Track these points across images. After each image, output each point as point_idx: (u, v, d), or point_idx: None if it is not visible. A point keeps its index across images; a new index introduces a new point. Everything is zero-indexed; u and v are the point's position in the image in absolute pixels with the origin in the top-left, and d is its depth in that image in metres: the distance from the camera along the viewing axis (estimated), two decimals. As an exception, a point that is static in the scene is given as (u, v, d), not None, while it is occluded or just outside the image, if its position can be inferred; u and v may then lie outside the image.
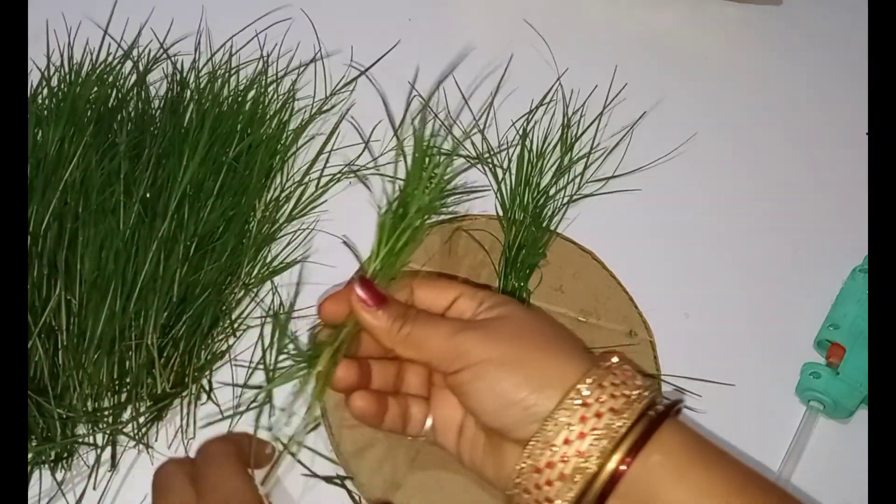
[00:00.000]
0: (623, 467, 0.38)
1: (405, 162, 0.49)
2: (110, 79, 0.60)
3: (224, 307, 0.55)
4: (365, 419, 0.45)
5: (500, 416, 0.41)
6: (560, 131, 0.62)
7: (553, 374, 0.41)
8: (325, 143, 0.61)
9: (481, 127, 0.63)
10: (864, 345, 0.53)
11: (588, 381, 0.40)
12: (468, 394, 0.42)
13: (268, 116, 0.61)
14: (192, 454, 0.51)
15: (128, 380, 0.52)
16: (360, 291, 0.44)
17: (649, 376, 0.43)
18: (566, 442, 0.39)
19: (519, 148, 0.61)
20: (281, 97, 0.62)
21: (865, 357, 0.53)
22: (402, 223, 0.46)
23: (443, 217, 0.59)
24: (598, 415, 0.39)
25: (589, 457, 0.38)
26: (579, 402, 0.39)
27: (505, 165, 0.61)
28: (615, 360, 0.42)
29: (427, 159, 0.47)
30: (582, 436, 0.39)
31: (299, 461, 0.50)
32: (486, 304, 0.45)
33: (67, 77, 0.60)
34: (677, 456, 0.39)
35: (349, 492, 0.50)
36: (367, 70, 0.64)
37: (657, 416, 0.40)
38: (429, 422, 0.47)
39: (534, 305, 0.47)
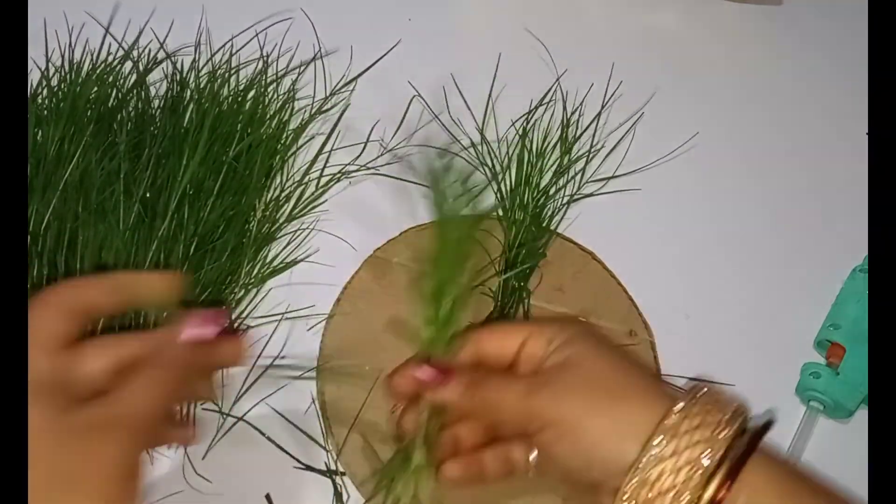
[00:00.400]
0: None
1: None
2: (110, 79, 0.60)
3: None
4: (462, 486, 0.44)
5: (584, 475, 0.41)
6: (560, 131, 0.62)
7: (632, 423, 0.40)
8: (325, 143, 0.61)
9: (481, 127, 0.63)
10: (864, 345, 0.53)
11: (667, 426, 0.39)
12: (551, 455, 0.41)
13: (268, 116, 0.61)
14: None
15: (128, 380, 0.52)
16: (421, 375, 0.43)
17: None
18: (651, 490, 0.38)
19: (519, 148, 0.61)
20: (281, 97, 0.62)
21: (865, 357, 0.53)
22: (445, 292, 0.44)
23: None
24: (677, 463, 0.38)
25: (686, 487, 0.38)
26: (657, 451, 0.39)
27: (505, 165, 0.61)
28: (689, 395, 0.41)
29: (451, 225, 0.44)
30: (665, 485, 0.38)
31: (293, 455, 0.51)
32: (555, 342, 0.44)
33: (67, 77, 0.60)
34: (764, 495, 0.38)
35: (335, 488, 0.50)
36: (367, 70, 0.64)
37: (741, 455, 0.39)
38: (533, 455, 0.45)
39: (599, 333, 0.45)
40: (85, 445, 0.35)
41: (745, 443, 0.39)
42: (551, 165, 0.61)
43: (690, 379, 0.54)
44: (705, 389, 0.42)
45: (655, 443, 0.39)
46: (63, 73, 0.61)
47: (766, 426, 0.41)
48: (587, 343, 0.44)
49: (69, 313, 0.39)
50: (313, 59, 0.64)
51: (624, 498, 0.39)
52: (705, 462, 0.38)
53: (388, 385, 0.45)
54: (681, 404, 0.40)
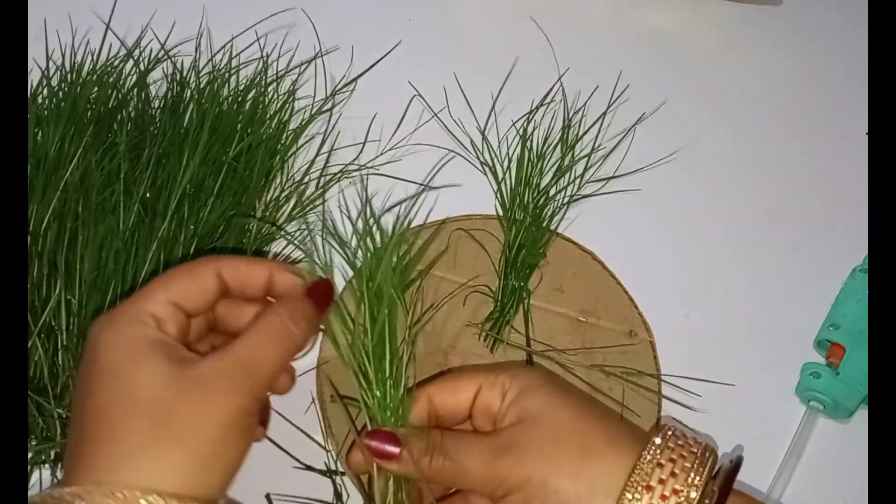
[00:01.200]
0: None
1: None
2: (111, 79, 0.60)
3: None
4: None
5: None
6: (561, 132, 0.62)
7: (601, 479, 0.39)
8: (325, 143, 0.61)
9: (482, 127, 0.63)
10: (864, 345, 0.53)
11: (638, 480, 0.39)
12: None
13: (268, 116, 0.61)
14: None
15: (128, 379, 0.52)
16: (371, 443, 0.42)
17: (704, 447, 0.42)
18: None
19: (519, 148, 0.61)
20: (281, 97, 0.62)
21: (866, 357, 0.53)
22: (380, 350, 0.42)
23: (443, 218, 0.59)
24: (664, 498, 0.38)
25: None
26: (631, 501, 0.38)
27: (505, 165, 0.61)
28: (658, 439, 0.40)
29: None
30: None
31: (293, 455, 0.51)
32: (509, 394, 0.43)
33: (68, 77, 0.60)
34: None
35: (335, 488, 0.50)
36: (367, 70, 0.64)
37: (717, 501, 0.38)
38: None
39: (555, 378, 0.45)
40: (205, 393, 0.36)
41: (719, 486, 0.39)
42: (552, 166, 0.61)
43: (687, 378, 0.55)
44: (671, 431, 0.41)
45: (627, 499, 0.38)
46: (63, 73, 0.61)
47: (737, 465, 0.40)
48: (544, 393, 0.43)
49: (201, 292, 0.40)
50: (313, 59, 0.64)
51: None
52: None
53: (348, 465, 0.44)
54: (649, 455, 0.39)
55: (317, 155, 0.60)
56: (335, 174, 0.60)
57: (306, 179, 0.60)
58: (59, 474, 0.50)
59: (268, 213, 0.58)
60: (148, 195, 0.55)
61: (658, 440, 0.40)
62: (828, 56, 0.70)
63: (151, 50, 0.63)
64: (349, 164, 0.61)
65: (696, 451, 0.40)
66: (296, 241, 0.57)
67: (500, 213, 0.59)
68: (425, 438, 0.42)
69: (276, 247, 0.58)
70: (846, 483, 0.53)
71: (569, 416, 0.42)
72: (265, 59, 0.63)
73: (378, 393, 0.43)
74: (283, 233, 0.58)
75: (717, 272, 0.60)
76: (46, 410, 0.49)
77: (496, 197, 0.60)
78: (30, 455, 0.49)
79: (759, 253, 0.61)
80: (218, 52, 0.64)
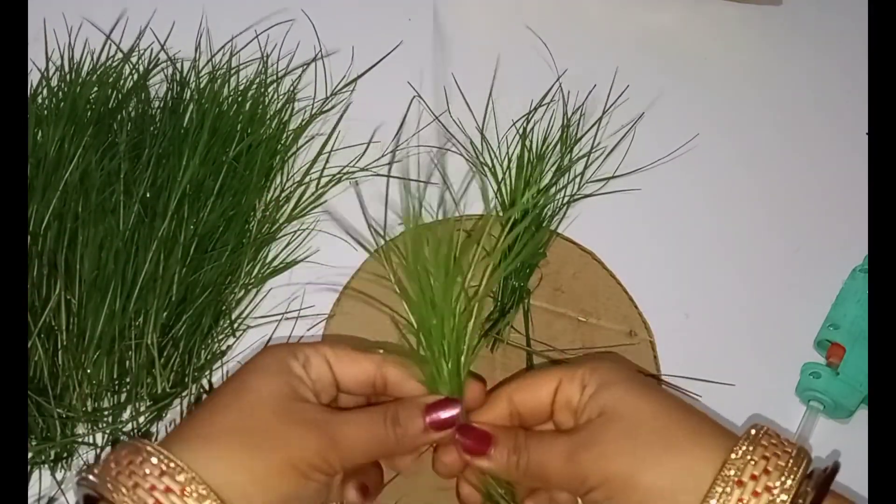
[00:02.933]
0: None
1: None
2: (110, 79, 0.60)
3: (224, 307, 0.55)
4: None
5: None
6: (560, 131, 0.62)
7: (687, 475, 0.38)
8: (325, 144, 0.61)
9: (481, 127, 0.63)
10: (864, 345, 0.53)
11: (728, 476, 0.37)
12: None
13: (268, 117, 0.61)
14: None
15: (127, 379, 0.52)
16: (463, 440, 0.42)
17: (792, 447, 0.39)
18: None
19: (519, 148, 0.61)
20: (281, 98, 0.62)
21: (866, 357, 0.53)
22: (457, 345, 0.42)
23: (444, 217, 0.59)
24: (756, 494, 0.37)
25: None
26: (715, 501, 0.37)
27: (505, 165, 0.61)
28: (753, 432, 0.39)
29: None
30: None
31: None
32: (588, 389, 0.42)
33: (68, 77, 0.60)
34: None
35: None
36: (367, 71, 0.64)
37: (812, 502, 0.37)
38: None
39: (632, 371, 0.43)
40: (290, 427, 0.39)
41: (815, 488, 0.37)
42: (551, 166, 0.61)
43: (687, 378, 0.55)
44: (765, 429, 0.40)
45: (717, 493, 0.37)
46: (63, 74, 0.61)
47: (834, 471, 0.39)
48: (623, 388, 0.42)
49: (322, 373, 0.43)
50: (314, 59, 0.64)
51: None
52: None
53: (436, 468, 0.44)
54: (741, 449, 0.38)
55: (317, 155, 0.60)
56: (335, 175, 0.60)
57: (306, 180, 0.60)
58: (58, 475, 0.50)
59: (268, 214, 0.58)
60: (148, 195, 0.55)
61: (753, 432, 0.39)
62: (828, 56, 0.70)
63: (151, 50, 0.63)
64: (349, 164, 0.61)
65: (790, 450, 0.39)
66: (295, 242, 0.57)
67: (500, 212, 0.59)
68: (512, 437, 0.42)
69: (277, 247, 0.58)
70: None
71: (650, 410, 0.40)
72: (265, 59, 0.63)
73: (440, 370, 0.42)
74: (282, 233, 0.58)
75: (717, 272, 0.60)
76: (46, 410, 0.49)
77: (496, 197, 0.60)
78: (30, 455, 0.49)
79: (759, 253, 0.61)
80: (218, 52, 0.64)
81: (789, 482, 0.37)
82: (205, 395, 0.53)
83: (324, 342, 0.44)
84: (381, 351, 0.44)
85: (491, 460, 0.42)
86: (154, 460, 0.37)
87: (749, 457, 0.38)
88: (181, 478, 0.37)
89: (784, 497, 0.36)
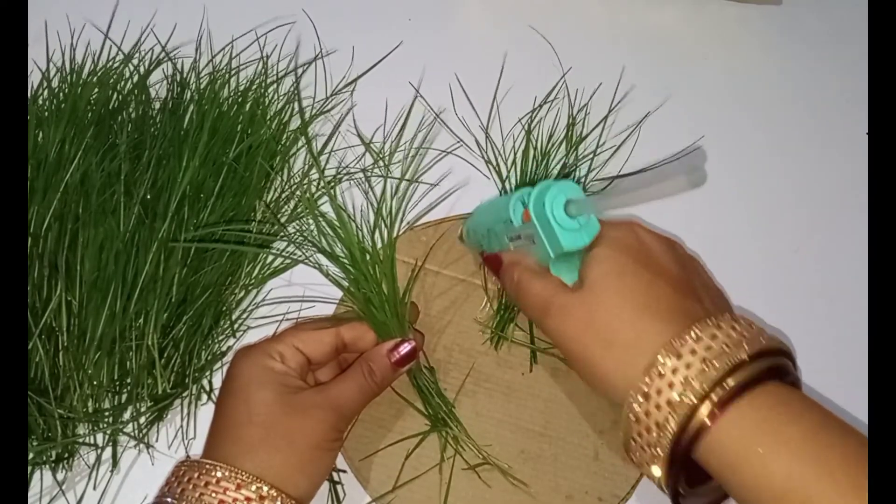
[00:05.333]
0: (709, 422, 0.38)
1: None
2: (111, 80, 0.60)
3: (224, 308, 0.55)
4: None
5: (591, 385, 0.44)
6: (566, 129, 0.62)
7: (640, 341, 0.41)
8: (325, 144, 0.61)
9: (485, 126, 0.63)
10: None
11: (662, 354, 0.40)
12: (558, 332, 0.45)
13: (268, 117, 0.61)
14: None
15: (128, 380, 0.52)
16: (486, 263, 0.53)
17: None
18: (658, 393, 0.40)
19: (524, 145, 0.61)
20: (282, 98, 0.62)
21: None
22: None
23: (448, 216, 0.59)
24: (689, 366, 0.39)
25: (678, 408, 0.39)
26: (663, 362, 0.40)
27: (510, 163, 0.61)
28: (718, 319, 0.41)
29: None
30: (671, 386, 0.39)
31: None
32: (589, 252, 0.45)
33: (68, 78, 0.60)
34: (775, 414, 0.38)
35: (333, 487, 0.50)
36: (368, 71, 0.64)
37: (759, 373, 0.39)
38: None
39: (644, 236, 0.46)
40: (302, 418, 0.46)
41: (759, 371, 0.39)
42: (556, 164, 0.61)
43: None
44: (736, 317, 0.42)
45: (658, 360, 0.40)
46: (64, 75, 0.61)
47: (786, 355, 0.41)
48: (608, 266, 0.44)
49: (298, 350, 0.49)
50: (314, 59, 0.65)
51: (628, 406, 0.40)
52: (712, 376, 0.39)
53: (488, 263, 0.52)
54: (698, 325, 0.41)
55: (317, 155, 0.60)
56: (336, 175, 0.60)
57: (306, 180, 0.60)
58: (59, 475, 0.50)
59: (268, 214, 0.58)
60: (148, 196, 0.55)
61: (723, 317, 0.41)
62: (828, 56, 0.70)
63: (152, 51, 0.63)
64: (350, 164, 0.61)
65: (747, 334, 0.41)
66: (295, 242, 0.57)
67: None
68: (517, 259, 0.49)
69: (277, 247, 0.58)
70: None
71: (619, 297, 0.43)
72: (265, 59, 0.63)
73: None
74: (282, 234, 0.58)
75: (719, 272, 0.60)
76: (47, 411, 0.49)
77: (500, 194, 0.60)
78: (30, 455, 0.49)
79: (760, 252, 0.61)
80: (218, 53, 0.64)
81: (727, 360, 0.39)
82: (206, 397, 0.53)
83: (285, 333, 0.49)
84: (337, 319, 0.52)
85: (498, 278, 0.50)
86: (218, 473, 0.43)
87: (699, 333, 0.40)
88: (246, 478, 0.43)
89: (715, 373, 0.39)
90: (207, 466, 0.43)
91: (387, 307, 0.50)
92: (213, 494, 0.42)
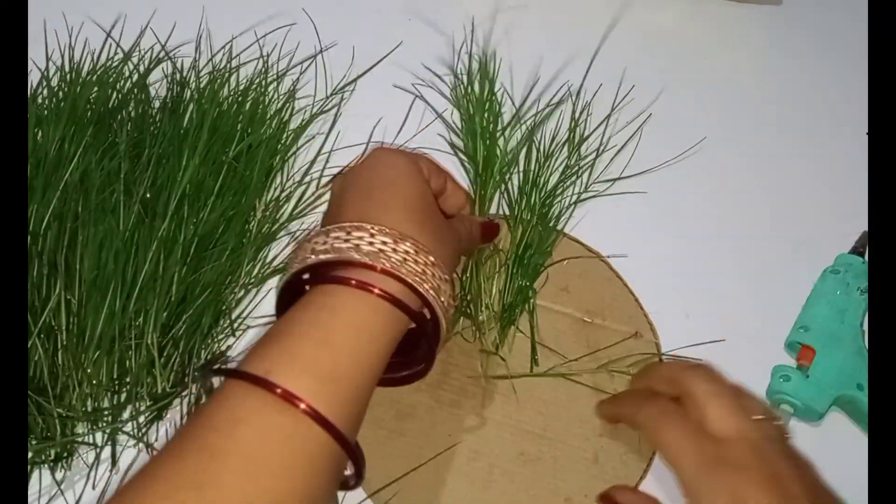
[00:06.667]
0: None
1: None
2: (111, 79, 0.60)
3: (224, 307, 0.55)
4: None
5: None
6: (569, 132, 0.62)
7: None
8: (325, 143, 0.61)
9: (486, 125, 0.63)
10: (834, 347, 0.53)
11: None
12: None
13: (268, 116, 0.61)
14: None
15: (128, 379, 0.52)
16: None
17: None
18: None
19: (526, 148, 0.61)
20: (281, 97, 0.62)
21: (835, 359, 0.53)
22: None
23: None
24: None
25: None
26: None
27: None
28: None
29: None
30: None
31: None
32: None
33: (68, 77, 0.60)
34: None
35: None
36: (368, 70, 0.64)
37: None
38: None
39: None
40: (447, 228, 0.47)
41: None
42: (558, 166, 0.61)
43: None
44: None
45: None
46: (63, 73, 0.61)
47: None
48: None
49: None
50: (314, 58, 0.64)
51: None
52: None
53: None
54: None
55: (317, 155, 0.60)
56: (336, 175, 0.60)
57: (307, 179, 0.60)
58: (58, 474, 0.50)
59: (268, 213, 0.58)
60: (148, 195, 0.55)
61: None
62: (828, 56, 0.70)
63: (152, 50, 0.63)
64: (350, 164, 0.61)
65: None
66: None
67: (507, 212, 0.59)
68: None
69: (277, 247, 0.58)
70: (846, 483, 0.53)
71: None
72: (265, 58, 0.63)
73: None
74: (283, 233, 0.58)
75: (719, 272, 0.60)
76: (46, 410, 0.49)
77: (503, 197, 0.60)
78: (29, 455, 0.49)
79: (760, 252, 0.61)
80: (218, 52, 0.64)
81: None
82: (206, 398, 0.53)
83: (417, 154, 0.51)
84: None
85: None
86: (369, 228, 0.43)
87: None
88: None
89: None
90: (347, 227, 0.44)
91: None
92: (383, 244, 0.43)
